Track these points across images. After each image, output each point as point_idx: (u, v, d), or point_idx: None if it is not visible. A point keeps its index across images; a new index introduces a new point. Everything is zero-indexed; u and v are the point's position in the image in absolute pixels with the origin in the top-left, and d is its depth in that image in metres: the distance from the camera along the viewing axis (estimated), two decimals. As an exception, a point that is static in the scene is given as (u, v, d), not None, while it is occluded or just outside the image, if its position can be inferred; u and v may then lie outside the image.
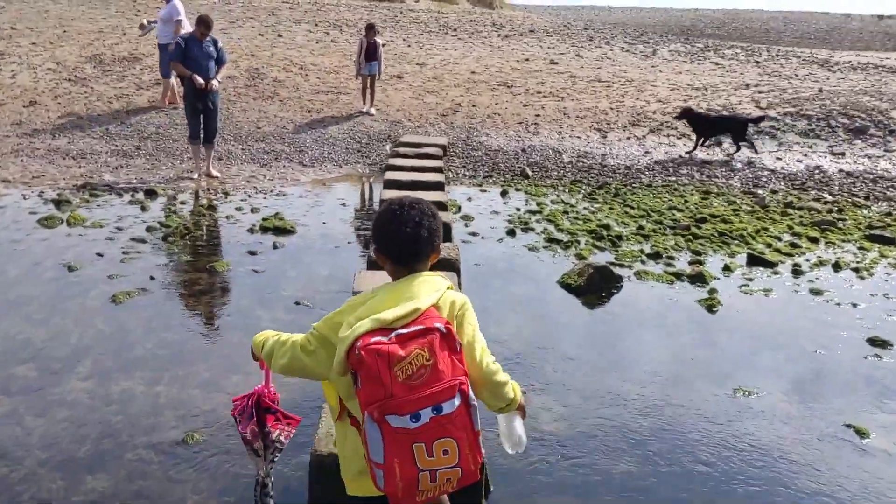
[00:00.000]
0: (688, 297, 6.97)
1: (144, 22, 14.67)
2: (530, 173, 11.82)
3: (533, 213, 9.67)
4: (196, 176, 10.67)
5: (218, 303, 6.43)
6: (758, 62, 22.22)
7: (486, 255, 7.97)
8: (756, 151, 13.22)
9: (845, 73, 20.27)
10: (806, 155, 13.25)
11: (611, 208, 10.01)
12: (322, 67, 16.93)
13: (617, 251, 8.19)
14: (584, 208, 10.01)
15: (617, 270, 7.35)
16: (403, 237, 2.43)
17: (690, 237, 8.77)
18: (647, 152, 13.18)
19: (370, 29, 14.42)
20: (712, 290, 7.07)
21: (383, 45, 14.81)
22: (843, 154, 13.24)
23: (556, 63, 19.47)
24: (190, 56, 10.27)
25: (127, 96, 14.11)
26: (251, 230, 8.39)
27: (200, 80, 10.14)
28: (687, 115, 13.35)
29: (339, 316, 2.43)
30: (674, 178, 11.87)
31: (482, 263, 7.65)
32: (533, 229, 8.91)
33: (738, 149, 13.20)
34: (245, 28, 20.99)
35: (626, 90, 16.47)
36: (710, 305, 6.73)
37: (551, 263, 7.75)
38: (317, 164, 11.86)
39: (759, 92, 16.35)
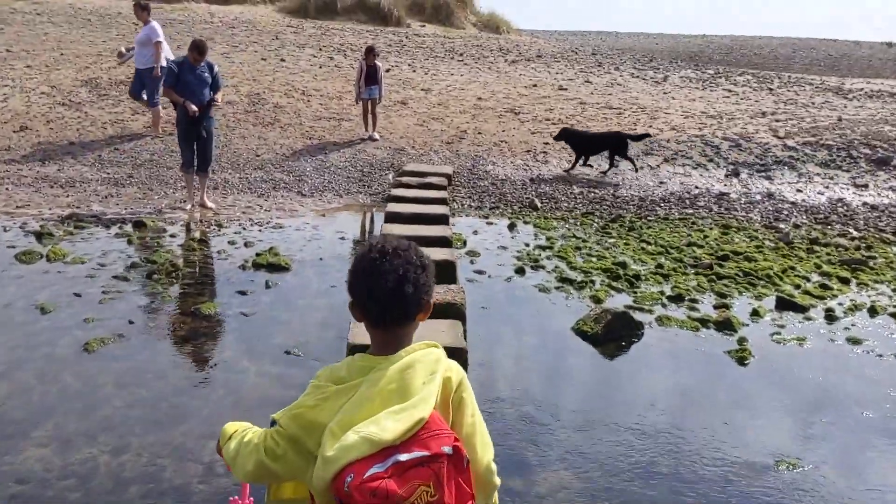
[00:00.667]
0: (716, 346, 6.38)
1: (122, 49, 14.02)
2: (539, 205, 11.27)
3: (543, 248, 9.11)
4: (189, 206, 10.14)
5: (200, 352, 5.84)
6: (771, 89, 21.73)
7: (494, 297, 7.39)
8: (636, 169, 13.06)
9: (862, 101, 19.76)
10: (827, 187, 12.70)
11: (626, 244, 9.44)
12: (324, 93, 16.47)
13: (635, 293, 7.61)
14: (598, 243, 9.44)
15: (637, 315, 6.77)
16: (383, 293, 1.94)
17: (713, 277, 8.18)
18: (661, 183, 12.64)
19: (370, 52, 14.01)
20: (742, 340, 6.48)
21: (387, 71, 14.31)
22: (866, 186, 12.68)
23: (566, 89, 18.99)
24: (182, 81, 9.78)
25: (122, 121, 13.64)
26: (243, 267, 7.83)
27: (194, 108, 9.64)
28: (565, 134, 13.11)
29: (311, 412, 1.93)
30: (691, 211, 11.31)
31: (489, 307, 7.08)
32: (543, 267, 8.34)
33: (613, 165, 13.11)
34: (248, 52, 20.60)
35: (639, 117, 15.95)
36: (741, 357, 6.14)
37: (564, 307, 7.18)
38: (316, 193, 11.33)
39: (777, 120, 15.82)
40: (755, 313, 7.16)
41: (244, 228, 9.39)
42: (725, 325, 6.77)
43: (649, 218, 10.85)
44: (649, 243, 9.50)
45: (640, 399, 5.42)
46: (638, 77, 22.55)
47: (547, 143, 14.13)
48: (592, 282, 7.84)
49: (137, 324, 6.24)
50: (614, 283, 7.84)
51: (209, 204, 10.27)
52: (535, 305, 7.21)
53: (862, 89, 23.08)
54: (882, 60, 50.11)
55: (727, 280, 8.14)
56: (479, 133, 14.64)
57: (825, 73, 37.90)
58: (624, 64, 25.81)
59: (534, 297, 7.43)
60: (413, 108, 16.04)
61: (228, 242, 8.73)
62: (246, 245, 8.65)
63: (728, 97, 19.36)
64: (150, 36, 12.60)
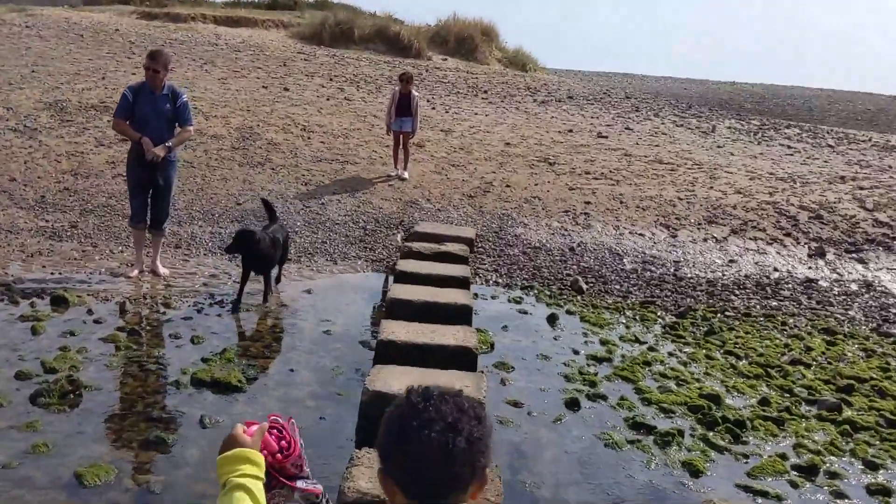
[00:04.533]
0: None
1: None
2: (584, 287, 8.89)
3: (598, 360, 6.71)
4: (135, 273, 7.80)
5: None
6: (831, 146, 19.37)
7: (539, 456, 4.96)
8: None
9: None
10: (938, 276, 10.25)
11: (708, 357, 7.03)
12: (329, 130, 14.20)
13: (745, 457, 5.17)
14: (671, 354, 7.04)
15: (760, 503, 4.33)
16: (427, 451, 1.57)
17: (847, 427, 5.74)
18: (731, 261, 10.23)
19: (404, 78, 11.99)
20: (943, 574, 4.04)
21: (427, 101, 12.07)
22: None
23: (606, 137, 16.67)
24: (138, 113, 7.52)
25: (81, 154, 11.38)
26: (177, 383, 5.45)
27: (154, 152, 7.38)
28: None
29: None
30: (775, 304, 8.90)
31: (532, 482, 4.64)
32: (604, 398, 5.92)
33: None
34: (249, 79, 18.43)
35: (696, 176, 13.58)
36: None
37: (648, 483, 4.74)
38: (304, 257, 9.00)
39: (860, 188, 13.40)
40: (937, 508, 4.71)
41: (199, 311, 7.03)
42: (904, 537, 4.33)
43: (727, 313, 8.44)
44: (738, 357, 7.09)
45: None
46: (682, 126, 20.24)
47: (588, 203, 11.77)
48: (680, 432, 5.39)
49: (-29, 507, 3.85)
50: (711, 436, 5.40)
51: (161, 270, 7.94)
52: (604, 479, 4.75)
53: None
54: (924, 117, 47.67)
55: (866, 433, 5.70)
56: (508, 186, 12.32)
57: (864, 127, 35.54)
58: (663, 110, 23.54)
59: (599, 459, 4.99)
60: (430, 152, 13.75)
61: (170, 336, 6.37)
62: (193, 341, 6.28)
63: (791, 155, 16.98)
64: None
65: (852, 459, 5.28)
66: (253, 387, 5.53)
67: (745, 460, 5.12)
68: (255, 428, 1.88)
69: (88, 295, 7.15)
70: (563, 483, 4.62)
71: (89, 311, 6.73)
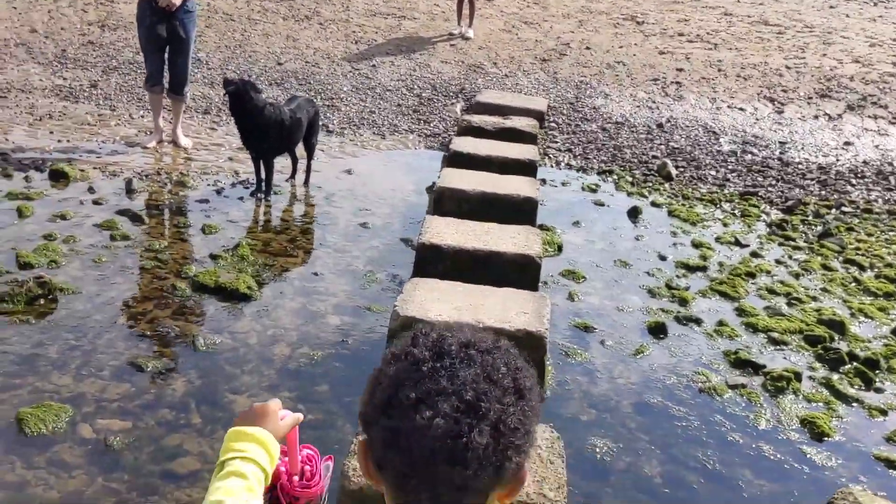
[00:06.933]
0: None
1: None
2: (674, 172, 7.55)
3: (690, 269, 5.50)
4: (152, 143, 6.80)
5: None
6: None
7: (615, 408, 3.86)
8: None
9: None
10: None
11: (825, 267, 5.74)
12: (387, -21, 12.67)
13: (883, 413, 3.99)
14: (779, 262, 5.77)
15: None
16: (423, 442, 0.96)
17: None
18: (847, 143, 8.68)
19: None
20: None
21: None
22: None
23: (701, -8, 14.68)
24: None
25: (111, 2, 10.24)
26: (174, 288, 4.49)
27: None
28: None
29: None
30: (902, 197, 7.45)
31: (605, 448, 3.57)
32: (698, 321, 4.75)
33: None
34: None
35: (807, 41, 11.70)
36: None
37: (757, 452, 3.63)
38: (348, 129, 7.84)
39: None
40: None
41: (219, 192, 6.03)
42: None
43: (843, 208, 7.04)
44: (862, 267, 5.79)
45: None
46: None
47: (681, 70, 10.19)
48: (797, 374, 4.21)
49: None
50: (835, 380, 4.22)
51: (183, 141, 6.91)
52: (696, 444, 3.66)
53: None
54: None
55: None
56: (588, 48, 10.76)
57: None
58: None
59: (692, 412, 3.86)
60: (500, 7, 12.17)
61: (176, 225, 5.38)
62: (205, 230, 5.31)
63: (915, 16, 14.73)
64: None
65: None
66: (266, 295, 4.53)
67: (882, 417, 3.96)
68: (288, 417, 1.43)
69: (94, 168, 6.19)
70: (645, 451, 3.55)
71: (90, 189, 5.78)
